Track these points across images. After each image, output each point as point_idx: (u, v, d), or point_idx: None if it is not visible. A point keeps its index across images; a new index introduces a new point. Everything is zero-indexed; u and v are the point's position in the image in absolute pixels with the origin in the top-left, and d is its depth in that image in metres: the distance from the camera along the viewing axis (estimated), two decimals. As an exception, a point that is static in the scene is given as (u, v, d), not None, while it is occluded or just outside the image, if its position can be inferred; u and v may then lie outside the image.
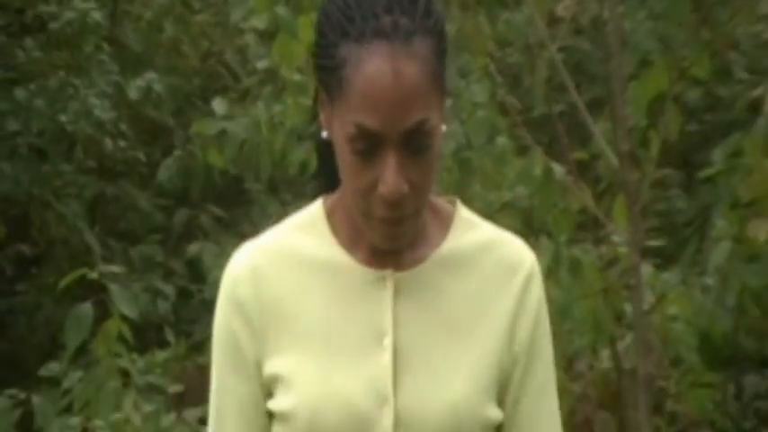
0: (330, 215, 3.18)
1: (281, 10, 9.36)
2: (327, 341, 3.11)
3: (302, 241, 3.21)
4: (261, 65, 12.57)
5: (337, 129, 3.02)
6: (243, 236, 3.71)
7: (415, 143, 2.93)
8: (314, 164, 6.67)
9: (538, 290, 3.16)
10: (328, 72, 3.02)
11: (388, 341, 3.06)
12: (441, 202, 3.22)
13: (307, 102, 9.14)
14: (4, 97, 14.40)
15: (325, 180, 3.28)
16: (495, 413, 3.04)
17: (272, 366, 3.11)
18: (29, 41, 15.20)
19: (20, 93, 14.40)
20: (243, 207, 15.21)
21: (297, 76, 9.54)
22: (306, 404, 3.06)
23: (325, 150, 3.18)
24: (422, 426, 3.04)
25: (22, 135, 14.47)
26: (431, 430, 3.06)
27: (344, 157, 3.06)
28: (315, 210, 3.20)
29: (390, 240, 3.09)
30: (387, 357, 3.04)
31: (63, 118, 14.22)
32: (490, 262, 3.16)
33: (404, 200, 2.97)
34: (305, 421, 3.06)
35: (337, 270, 3.17)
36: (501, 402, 3.07)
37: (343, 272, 3.16)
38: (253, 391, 3.17)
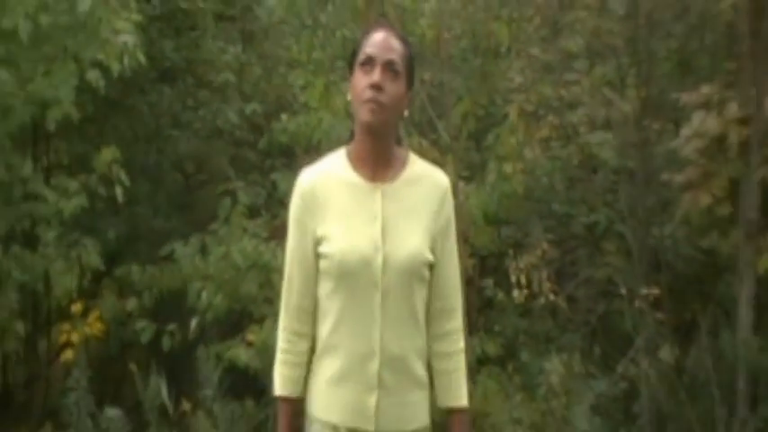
0: (349, 155, 4.94)
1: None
2: (347, 219, 4.83)
3: (334, 167, 4.95)
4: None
5: (355, 78, 4.84)
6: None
7: (389, 70, 4.75)
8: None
9: (450, 198, 4.93)
10: (353, 56, 4.94)
11: (378, 219, 4.81)
12: (402, 150, 4.99)
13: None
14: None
15: (350, 138, 5.02)
16: (430, 256, 4.84)
17: (319, 231, 4.83)
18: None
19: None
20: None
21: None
22: (337, 250, 4.78)
23: (353, 124, 4.98)
24: (396, 262, 4.78)
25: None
26: (400, 264, 4.79)
27: (356, 82, 4.85)
28: (341, 152, 4.95)
29: (371, 114, 4.79)
30: (378, 227, 4.80)
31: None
32: (428, 182, 4.95)
33: (380, 91, 4.74)
34: (337, 260, 4.77)
35: (352, 183, 4.88)
36: (432, 251, 4.86)
37: (355, 184, 4.88)
38: (307, 244, 4.89)
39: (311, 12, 14.37)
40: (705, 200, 12.43)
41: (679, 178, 12.69)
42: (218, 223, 14.35)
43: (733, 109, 12.47)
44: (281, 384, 4.77)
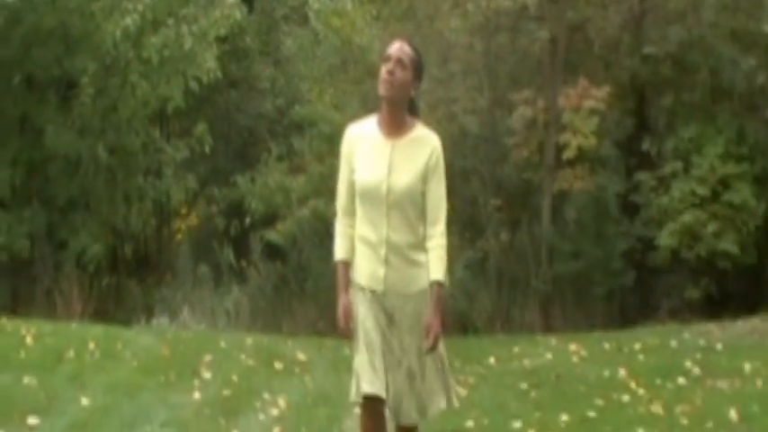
0: (377, 118, 4.46)
1: None
2: (368, 160, 4.41)
3: (367, 126, 4.51)
4: None
5: (381, 70, 4.38)
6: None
7: (399, 64, 4.33)
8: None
9: (439, 152, 4.37)
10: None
11: (386, 162, 4.38)
12: (412, 119, 4.45)
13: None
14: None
15: (378, 111, 4.47)
16: (423, 187, 4.36)
17: (354, 164, 4.44)
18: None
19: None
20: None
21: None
22: (360, 178, 4.39)
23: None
24: (394, 189, 4.34)
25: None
26: (397, 191, 4.35)
27: (381, 73, 4.39)
28: (374, 116, 4.50)
29: (385, 90, 4.38)
30: (385, 168, 4.37)
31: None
32: (424, 141, 4.42)
33: (392, 76, 4.34)
34: (360, 184, 4.39)
35: (375, 137, 4.45)
36: (423, 183, 4.36)
37: (377, 138, 4.44)
38: (348, 171, 4.47)
39: (312, 49, 14.88)
40: (525, 152, 12.98)
41: (511, 141, 13.07)
42: (260, 165, 14.92)
43: (540, 103, 12.82)
44: (339, 252, 4.47)
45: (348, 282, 4.45)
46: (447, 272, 4.37)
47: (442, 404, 4.46)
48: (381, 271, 4.34)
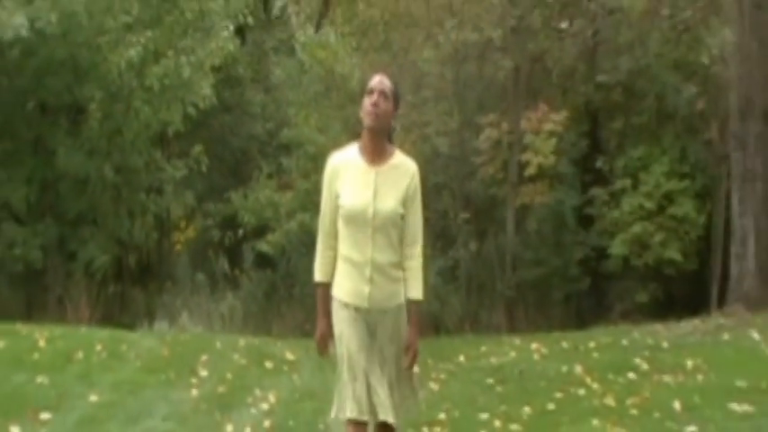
0: (359, 146, 4.27)
1: None
2: (353, 186, 4.22)
3: (349, 153, 4.32)
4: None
5: (363, 101, 4.22)
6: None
7: (382, 96, 4.18)
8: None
9: (417, 177, 4.25)
10: (364, 90, 4.30)
11: (371, 188, 4.20)
12: (391, 146, 4.30)
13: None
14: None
15: (360, 137, 4.29)
16: (401, 210, 4.20)
17: (338, 190, 4.23)
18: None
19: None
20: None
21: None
22: (346, 203, 4.19)
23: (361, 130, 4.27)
24: (380, 213, 4.18)
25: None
26: (382, 214, 4.18)
27: (364, 104, 4.23)
28: (355, 144, 4.30)
29: (372, 121, 4.20)
30: (371, 193, 4.19)
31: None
32: (404, 167, 4.28)
33: (377, 108, 4.18)
34: (346, 209, 4.19)
35: (358, 164, 4.26)
36: (403, 207, 4.19)
37: (360, 165, 4.26)
38: (332, 197, 4.26)
39: (298, 77, 14.90)
40: (491, 170, 12.90)
41: (478, 160, 12.96)
42: (252, 182, 14.88)
43: (504, 125, 12.75)
44: (319, 274, 4.31)
45: (327, 307, 4.29)
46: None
47: (413, 408, 4.40)
48: (366, 289, 4.19)
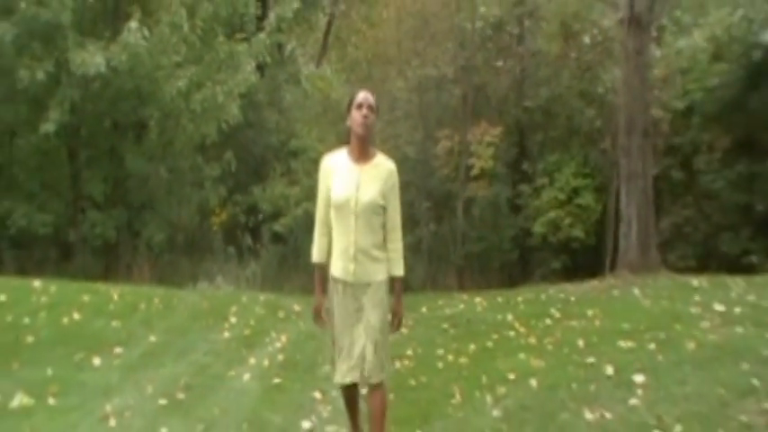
0: (348, 149, 3.90)
1: None
2: (341, 181, 3.86)
3: (340, 155, 3.94)
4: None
5: (352, 114, 3.85)
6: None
7: (370, 109, 3.81)
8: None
9: (395, 176, 3.88)
10: (350, 105, 3.91)
11: (355, 182, 3.84)
12: (373, 148, 3.91)
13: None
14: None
15: (347, 142, 3.93)
16: (381, 202, 3.82)
17: (330, 184, 3.90)
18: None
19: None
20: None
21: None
22: (335, 195, 3.86)
23: (347, 135, 3.91)
24: (362, 203, 3.82)
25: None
26: (363, 204, 3.82)
27: (354, 115, 3.85)
28: (344, 148, 3.91)
29: (363, 130, 3.83)
30: (354, 186, 3.83)
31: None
32: (384, 166, 3.89)
33: (367, 119, 3.82)
34: (334, 200, 3.86)
35: (346, 163, 3.89)
36: (383, 199, 3.82)
37: (348, 164, 3.89)
38: (325, 190, 3.92)
39: (303, 101, 14.88)
40: (446, 171, 12.84)
41: (437, 163, 12.91)
42: (268, 179, 14.84)
43: (456, 138, 12.66)
44: (316, 255, 3.97)
45: (323, 283, 3.98)
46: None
47: (389, 365, 4.14)
48: (351, 266, 3.85)
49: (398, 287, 3.93)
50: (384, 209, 3.85)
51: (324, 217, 3.95)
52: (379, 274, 3.87)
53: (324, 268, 3.95)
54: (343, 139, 3.99)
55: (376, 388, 3.88)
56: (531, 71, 13.37)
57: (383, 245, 3.87)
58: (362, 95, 3.87)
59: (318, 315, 4.00)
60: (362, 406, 4.11)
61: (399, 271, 3.88)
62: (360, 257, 3.84)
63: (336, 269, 3.90)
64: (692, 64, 11.74)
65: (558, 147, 12.90)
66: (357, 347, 3.83)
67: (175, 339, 6.82)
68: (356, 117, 3.85)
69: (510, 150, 13.31)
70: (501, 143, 12.66)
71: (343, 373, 3.88)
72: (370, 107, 3.84)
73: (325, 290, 3.99)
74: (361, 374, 3.83)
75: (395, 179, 3.89)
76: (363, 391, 4.03)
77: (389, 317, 3.92)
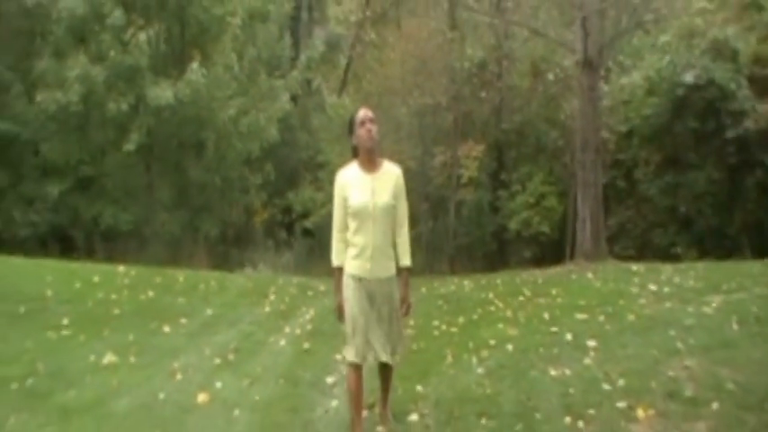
0: (358, 162, 3.59)
1: None
2: (357, 190, 3.54)
3: (352, 168, 3.62)
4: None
5: (358, 131, 3.54)
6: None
7: (372, 122, 3.53)
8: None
9: (401, 179, 3.58)
10: (352, 124, 3.62)
11: (370, 189, 3.53)
12: (380, 159, 3.59)
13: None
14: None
15: (355, 156, 3.63)
16: (393, 203, 3.54)
17: (346, 194, 3.57)
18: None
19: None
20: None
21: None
22: (353, 203, 3.53)
23: (354, 150, 3.65)
24: (378, 207, 3.52)
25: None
26: (380, 208, 3.52)
27: (360, 132, 3.53)
28: (354, 162, 3.60)
29: (370, 143, 3.53)
30: (370, 193, 3.53)
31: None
32: (392, 172, 3.60)
33: (372, 133, 3.53)
34: (353, 207, 3.52)
35: (359, 174, 3.58)
36: (394, 200, 3.55)
37: (361, 175, 3.58)
38: (342, 200, 3.58)
39: (328, 124, 14.42)
40: (441, 180, 12.61)
41: (433, 173, 12.75)
42: (300, 187, 14.69)
43: (448, 153, 12.52)
44: (336, 260, 3.63)
45: (342, 284, 3.62)
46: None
47: (401, 348, 3.75)
48: (368, 265, 3.54)
49: (406, 277, 3.63)
50: (395, 208, 3.59)
51: (341, 224, 3.61)
52: (390, 270, 3.62)
53: (343, 270, 3.64)
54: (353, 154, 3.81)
55: (385, 367, 3.75)
56: (508, 101, 13.18)
57: (393, 243, 3.62)
58: (362, 113, 3.60)
59: (340, 312, 3.68)
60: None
61: (408, 261, 3.59)
62: (376, 256, 3.55)
63: (353, 267, 3.58)
64: (631, 97, 11.80)
65: (528, 161, 12.69)
66: (370, 334, 3.57)
67: (227, 312, 6.75)
68: (362, 134, 3.56)
69: (491, 163, 13.09)
70: (484, 157, 12.52)
71: (355, 354, 3.60)
72: (371, 120, 3.57)
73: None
74: (375, 357, 3.60)
75: (402, 181, 3.64)
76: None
77: (399, 304, 3.66)
